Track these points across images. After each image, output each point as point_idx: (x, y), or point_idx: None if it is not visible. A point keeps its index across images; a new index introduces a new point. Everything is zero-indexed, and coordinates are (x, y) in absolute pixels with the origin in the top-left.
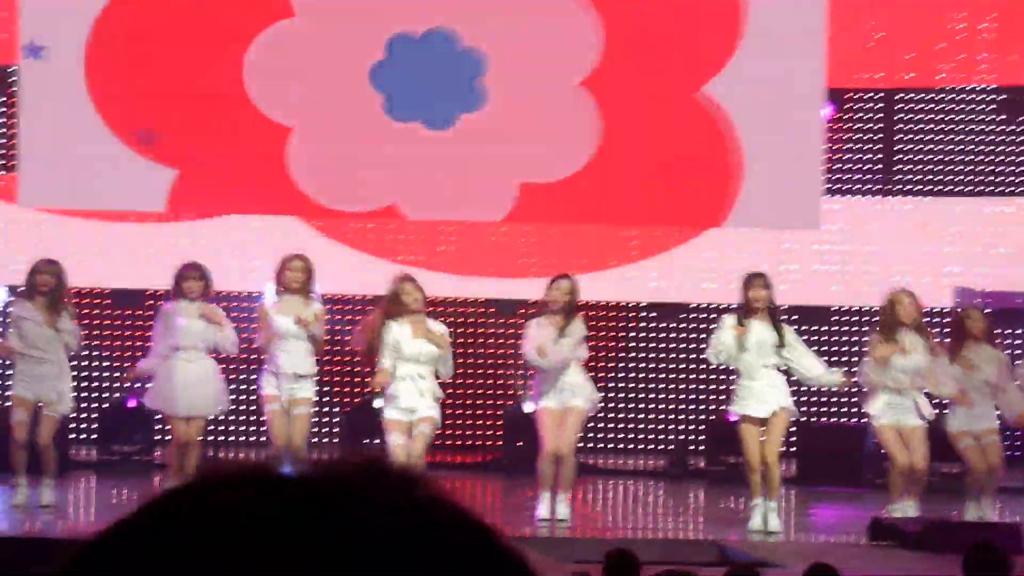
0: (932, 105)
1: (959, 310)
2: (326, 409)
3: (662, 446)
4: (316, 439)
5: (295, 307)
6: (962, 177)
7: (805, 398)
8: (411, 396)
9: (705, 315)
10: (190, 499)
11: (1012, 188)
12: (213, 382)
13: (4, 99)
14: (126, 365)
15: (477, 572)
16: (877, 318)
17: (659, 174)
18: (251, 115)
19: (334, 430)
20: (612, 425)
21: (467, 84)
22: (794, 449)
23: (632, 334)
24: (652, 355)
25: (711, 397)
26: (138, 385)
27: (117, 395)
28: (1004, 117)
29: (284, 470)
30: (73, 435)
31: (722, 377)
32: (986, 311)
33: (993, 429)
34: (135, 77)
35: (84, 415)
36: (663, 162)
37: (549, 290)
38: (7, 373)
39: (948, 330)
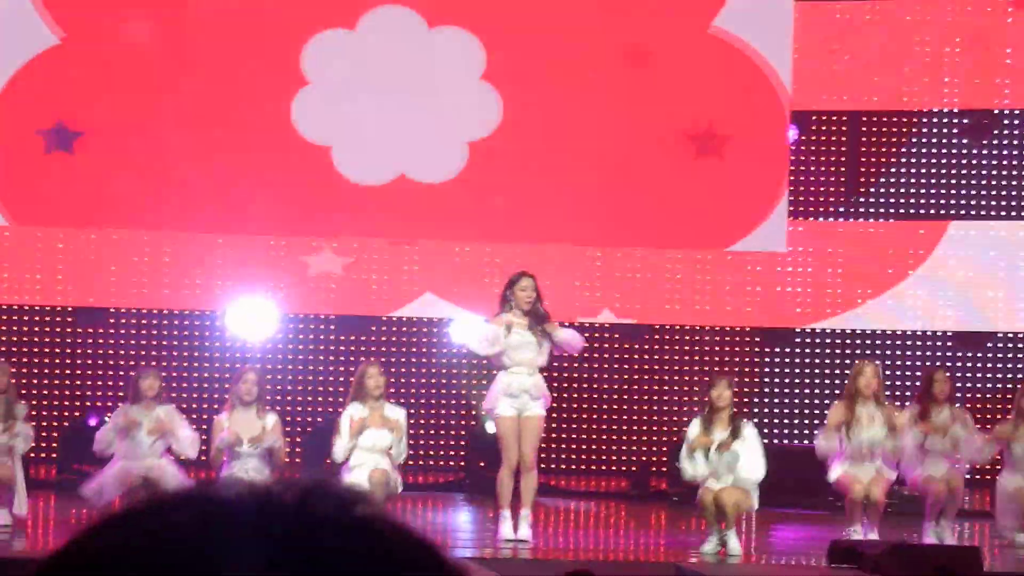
0: (896, 128)
1: (927, 374)
2: (288, 429)
3: (624, 468)
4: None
5: (248, 422)
6: (926, 200)
7: (766, 420)
8: (369, 468)
9: (668, 336)
10: (129, 523)
11: (976, 211)
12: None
13: None
14: (87, 383)
15: None
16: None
17: (635, 200)
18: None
19: (296, 450)
20: (574, 446)
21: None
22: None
23: (595, 355)
24: (615, 376)
25: (674, 419)
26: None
27: (77, 414)
28: (968, 140)
29: (228, 493)
30: (32, 454)
31: (684, 399)
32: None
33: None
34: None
35: (44, 434)
36: (635, 186)
37: (514, 290)
38: None
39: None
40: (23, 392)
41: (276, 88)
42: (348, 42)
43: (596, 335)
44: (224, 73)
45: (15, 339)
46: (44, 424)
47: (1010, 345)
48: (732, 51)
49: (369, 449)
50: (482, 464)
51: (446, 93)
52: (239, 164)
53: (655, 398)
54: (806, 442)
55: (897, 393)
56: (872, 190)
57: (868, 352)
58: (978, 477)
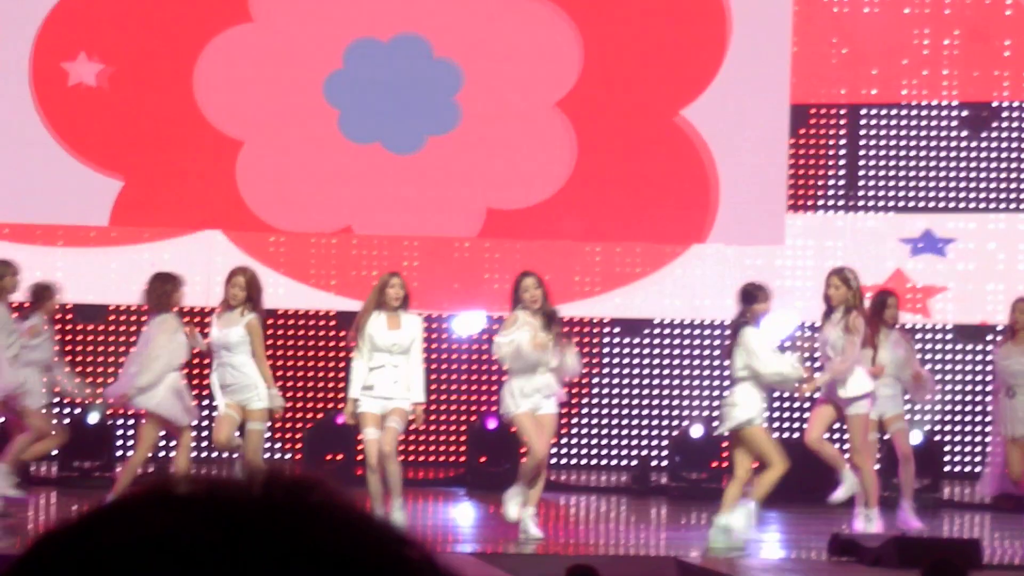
0: (895, 121)
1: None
2: (288, 425)
3: (625, 462)
4: (278, 455)
5: (233, 320)
6: (925, 193)
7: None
8: (385, 384)
9: (669, 331)
10: (95, 523)
11: (975, 204)
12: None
13: None
14: (88, 380)
15: (389, 573)
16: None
17: (632, 195)
18: (201, 127)
19: (297, 446)
20: (576, 441)
21: (441, 101)
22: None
23: (596, 350)
24: (616, 371)
25: (674, 413)
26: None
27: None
28: (966, 133)
29: (183, 487)
30: None
31: (685, 393)
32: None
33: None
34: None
35: None
36: (635, 183)
37: (522, 291)
38: None
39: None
40: None
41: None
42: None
43: (596, 329)
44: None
45: None
46: None
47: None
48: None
49: (387, 350)
50: (483, 460)
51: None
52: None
53: (655, 392)
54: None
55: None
56: (871, 183)
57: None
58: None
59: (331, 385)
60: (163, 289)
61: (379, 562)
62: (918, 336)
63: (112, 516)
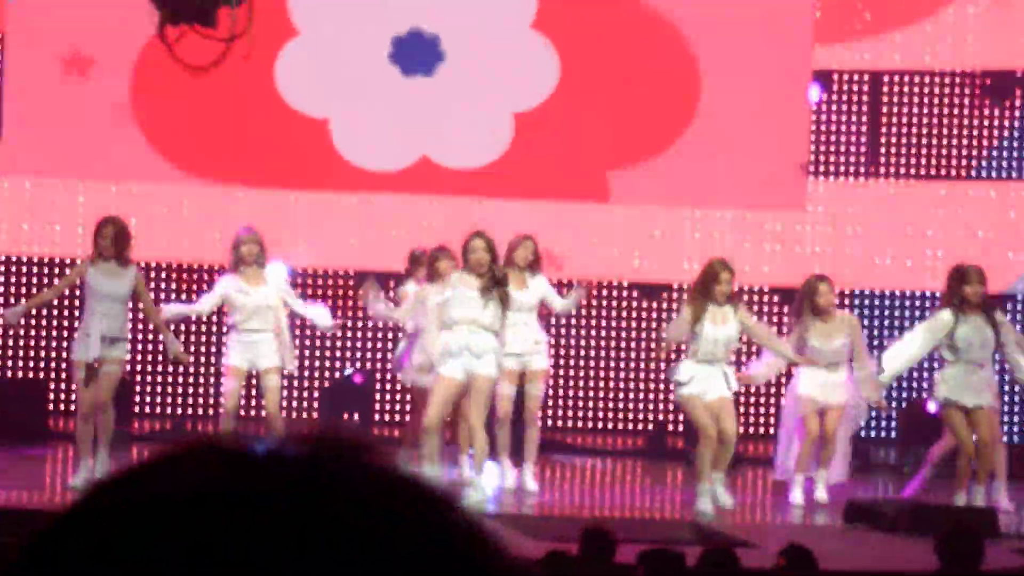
0: (918, 88)
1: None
2: (305, 384)
3: (641, 426)
4: (296, 413)
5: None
6: (947, 160)
7: (783, 380)
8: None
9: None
10: (138, 479)
11: (996, 172)
12: None
13: None
14: None
15: (434, 538)
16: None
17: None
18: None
19: (313, 404)
20: (591, 404)
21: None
22: (773, 431)
23: (613, 313)
24: (633, 334)
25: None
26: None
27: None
28: (989, 101)
29: (239, 445)
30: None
31: None
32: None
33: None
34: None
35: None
36: (652, 146)
37: (470, 252)
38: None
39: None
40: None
41: None
42: None
43: (615, 293)
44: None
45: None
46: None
47: None
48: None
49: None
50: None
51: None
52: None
53: (672, 356)
54: None
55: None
56: (893, 150)
57: (887, 312)
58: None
59: (348, 344)
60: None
61: (428, 526)
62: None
63: (162, 469)
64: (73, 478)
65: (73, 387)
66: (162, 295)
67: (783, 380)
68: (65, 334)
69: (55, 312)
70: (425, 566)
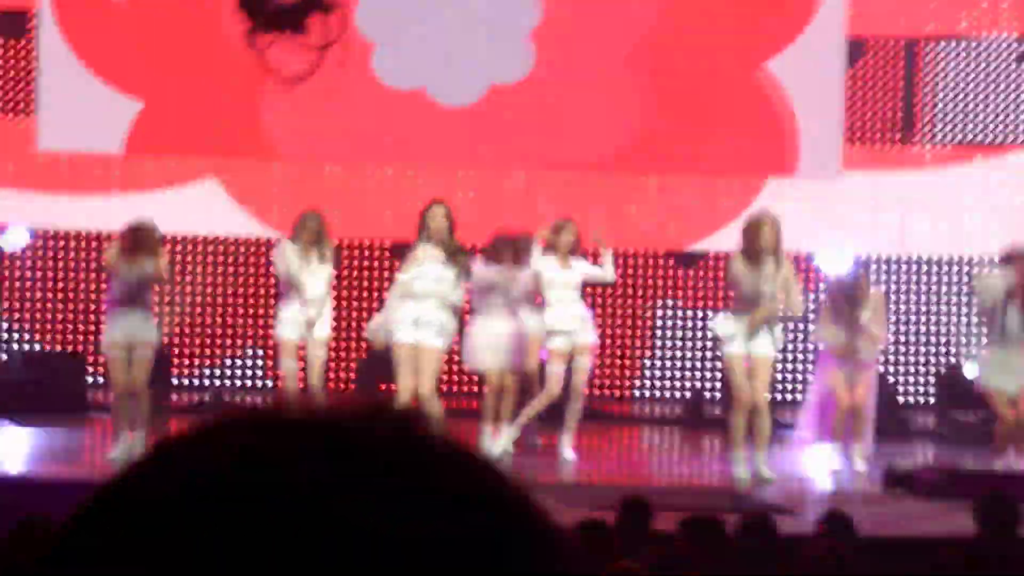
0: (953, 55)
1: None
2: (343, 355)
3: (678, 394)
4: (332, 384)
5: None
6: (983, 127)
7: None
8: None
9: (723, 263)
10: (186, 448)
11: None
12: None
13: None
14: None
15: (488, 512)
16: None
17: (682, 124)
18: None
19: (350, 375)
20: (628, 372)
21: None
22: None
23: (650, 282)
24: (671, 303)
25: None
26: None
27: None
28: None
29: (291, 414)
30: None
31: None
32: None
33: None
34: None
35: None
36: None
37: (429, 219)
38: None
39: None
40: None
41: None
42: None
43: (651, 261)
44: None
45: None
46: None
47: None
48: None
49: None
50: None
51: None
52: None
53: (709, 324)
54: None
55: (951, 320)
56: (927, 117)
57: (924, 278)
58: None
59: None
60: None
61: (482, 500)
62: (967, 269)
63: (204, 441)
64: (112, 450)
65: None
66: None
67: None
68: (104, 307)
69: (93, 285)
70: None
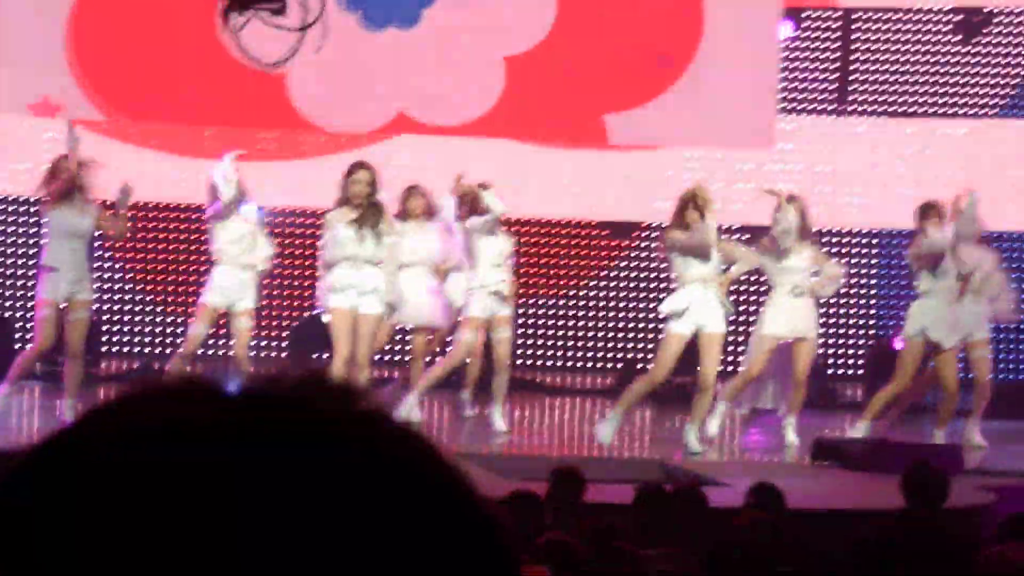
0: (889, 25)
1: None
2: (274, 323)
3: (609, 364)
4: (263, 353)
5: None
6: (916, 99)
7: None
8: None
9: (656, 234)
10: (127, 412)
11: (966, 110)
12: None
13: None
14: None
15: (422, 486)
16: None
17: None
18: None
19: (282, 344)
20: (560, 343)
21: None
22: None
23: (583, 252)
24: (601, 273)
25: (660, 316)
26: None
27: None
28: (960, 38)
29: (224, 385)
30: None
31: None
32: None
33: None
34: None
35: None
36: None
37: (352, 183)
38: None
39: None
40: None
41: None
42: None
43: (584, 231)
44: None
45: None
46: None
47: (1005, 245)
48: None
49: None
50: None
51: None
52: None
53: (642, 296)
54: None
55: (881, 288)
56: (863, 88)
57: (855, 250)
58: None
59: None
60: None
61: (404, 472)
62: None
63: (137, 406)
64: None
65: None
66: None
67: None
68: (32, 272)
69: (20, 251)
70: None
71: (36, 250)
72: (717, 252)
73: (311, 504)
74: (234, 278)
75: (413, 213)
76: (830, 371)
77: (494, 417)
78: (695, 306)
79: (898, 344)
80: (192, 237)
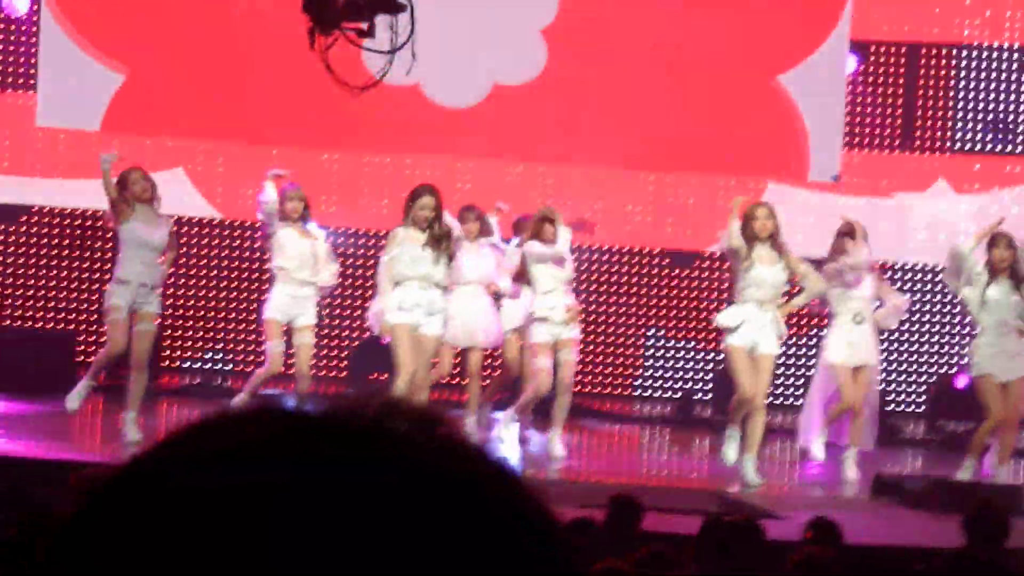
0: (956, 62)
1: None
2: (334, 343)
3: (668, 393)
4: (324, 373)
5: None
6: (982, 135)
7: (814, 349)
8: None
9: (718, 263)
10: (209, 436)
11: None
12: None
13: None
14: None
15: (505, 511)
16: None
17: (691, 126)
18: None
19: (343, 364)
20: (619, 371)
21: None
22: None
23: (644, 280)
24: (661, 302)
25: (719, 346)
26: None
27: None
28: None
29: (302, 408)
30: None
31: None
32: None
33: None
34: None
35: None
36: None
37: (418, 208)
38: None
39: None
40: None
41: None
42: None
43: (646, 260)
44: None
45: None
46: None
47: None
48: None
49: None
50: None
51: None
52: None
53: (702, 325)
54: None
55: (944, 325)
56: (929, 123)
57: (919, 286)
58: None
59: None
60: None
61: (499, 500)
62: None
63: (221, 433)
64: (70, 399)
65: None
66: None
67: (809, 347)
68: (94, 287)
69: (85, 264)
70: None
71: (100, 263)
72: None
73: (385, 527)
74: (291, 294)
75: (468, 233)
76: (891, 407)
77: (552, 442)
78: (749, 323)
79: (960, 381)
80: (254, 255)
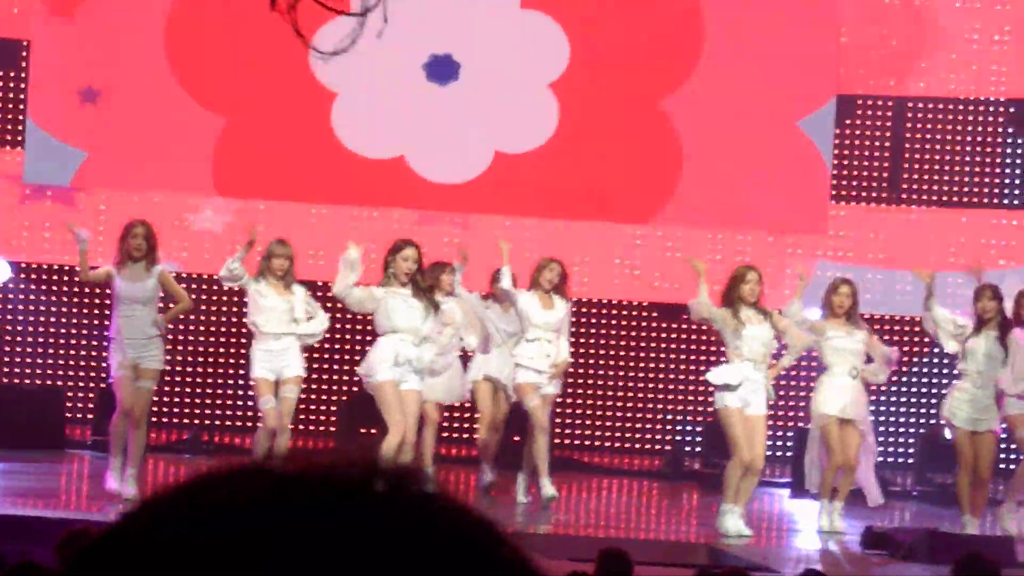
0: (941, 115)
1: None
2: (323, 397)
3: (658, 447)
4: (314, 427)
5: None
6: (968, 188)
7: (803, 404)
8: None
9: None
10: (190, 497)
11: (1019, 201)
12: None
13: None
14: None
15: (485, 571)
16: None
17: (670, 179)
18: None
19: (332, 418)
20: (608, 424)
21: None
22: (790, 454)
23: (632, 333)
24: (651, 355)
25: (709, 400)
26: None
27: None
28: (1012, 130)
29: (280, 467)
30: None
31: None
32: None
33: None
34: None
35: (80, 394)
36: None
37: (396, 260)
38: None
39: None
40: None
41: None
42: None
43: (635, 313)
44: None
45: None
46: (81, 384)
47: None
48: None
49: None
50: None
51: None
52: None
53: (691, 378)
54: None
55: (932, 377)
56: (915, 176)
57: (907, 339)
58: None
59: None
60: None
61: (484, 559)
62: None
63: (211, 494)
64: (109, 483)
65: (90, 395)
66: None
67: (800, 399)
68: (83, 342)
69: (73, 320)
70: None
71: (88, 319)
72: (771, 331)
73: None
74: (267, 349)
75: (443, 288)
76: (880, 459)
77: (542, 483)
78: (746, 384)
79: (948, 433)
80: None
